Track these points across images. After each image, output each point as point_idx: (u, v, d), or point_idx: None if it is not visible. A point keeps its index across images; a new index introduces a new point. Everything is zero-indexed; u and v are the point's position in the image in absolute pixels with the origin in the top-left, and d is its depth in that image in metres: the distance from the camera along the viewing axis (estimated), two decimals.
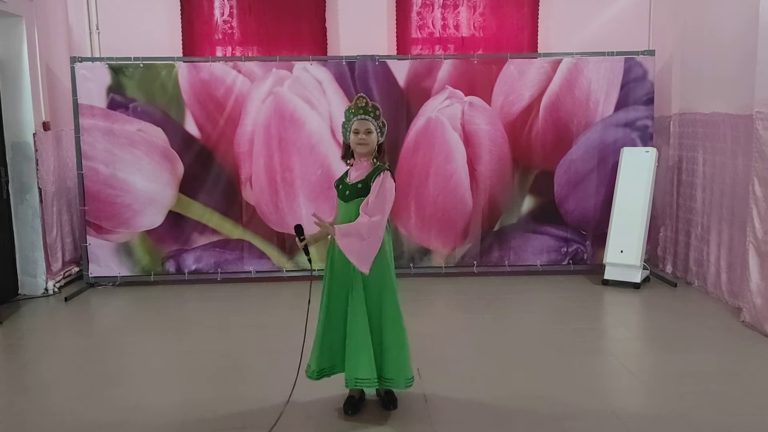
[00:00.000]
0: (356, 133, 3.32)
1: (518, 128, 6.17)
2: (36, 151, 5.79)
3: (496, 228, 6.30)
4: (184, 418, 3.46)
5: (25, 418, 3.53)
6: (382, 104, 6.10)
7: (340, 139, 5.90)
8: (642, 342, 4.72)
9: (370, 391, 3.60)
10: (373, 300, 3.33)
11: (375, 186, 3.24)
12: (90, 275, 6.14)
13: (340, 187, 3.39)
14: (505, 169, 6.21)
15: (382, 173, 3.28)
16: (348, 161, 3.45)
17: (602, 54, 6.08)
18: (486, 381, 3.85)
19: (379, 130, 3.36)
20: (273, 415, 3.41)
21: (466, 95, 6.09)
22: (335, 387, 3.60)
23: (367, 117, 3.32)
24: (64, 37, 6.43)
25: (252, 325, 5.01)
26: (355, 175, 3.36)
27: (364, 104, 3.34)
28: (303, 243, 3.40)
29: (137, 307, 5.66)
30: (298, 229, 3.41)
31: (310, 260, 3.44)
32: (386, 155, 3.44)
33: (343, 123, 3.41)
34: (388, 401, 3.49)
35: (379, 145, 3.37)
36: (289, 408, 3.49)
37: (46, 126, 5.95)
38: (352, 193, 3.31)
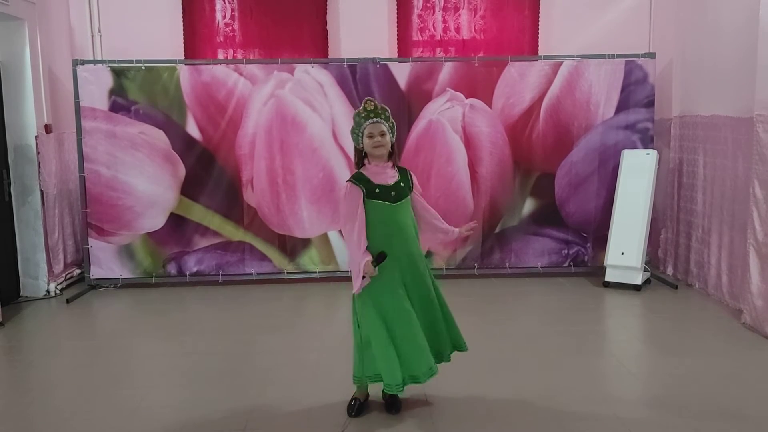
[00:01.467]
0: (371, 137, 3.31)
1: (519, 130, 6.18)
2: (38, 153, 5.81)
3: (497, 230, 6.30)
4: (186, 420, 3.47)
5: (27, 420, 3.53)
6: (388, 107, 6.12)
7: (342, 142, 6.00)
8: (643, 344, 4.72)
9: (374, 395, 3.60)
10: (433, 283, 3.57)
11: (419, 186, 3.51)
12: (92, 277, 6.15)
13: (378, 191, 3.30)
14: (506, 172, 6.22)
15: (412, 173, 3.51)
16: (361, 166, 3.39)
17: (603, 56, 6.09)
18: (487, 383, 3.86)
19: (390, 131, 3.38)
20: (274, 417, 3.42)
21: (467, 98, 6.10)
22: (338, 389, 3.61)
23: (378, 119, 3.33)
24: (66, 40, 6.45)
25: (253, 327, 5.02)
26: (384, 178, 3.35)
27: (373, 107, 3.34)
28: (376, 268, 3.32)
29: (139, 309, 5.67)
30: (383, 257, 3.30)
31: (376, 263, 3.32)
32: (397, 155, 3.47)
33: (353, 128, 3.39)
34: (391, 404, 3.49)
35: (392, 144, 3.40)
36: (292, 410, 3.50)
37: (48, 128, 5.97)
38: (399, 194, 3.36)
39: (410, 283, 3.40)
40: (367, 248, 3.28)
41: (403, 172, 3.44)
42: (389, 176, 3.37)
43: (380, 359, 3.31)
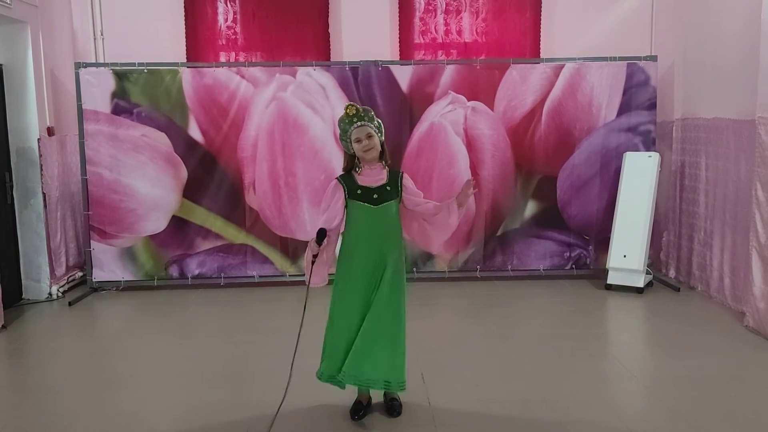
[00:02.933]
0: (359, 141, 3.30)
1: (521, 133, 6.18)
2: (40, 156, 5.82)
3: (499, 233, 6.30)
4: (188, 422, 3.47)
5: (29, 423, 3.53)
6: (385, 109, 6.14)
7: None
8: (645, 346, 4.72)
9: (376, 398, 3.59)
10: (396, 298, 3.39)
11: (413, 186, 3.44)
12: (94, 280, 6.16)
13: (360, 192, 3.33)
14: (508, 174, 6.22)
15: (404, 174, 3.45)
16: (356, 170, 3.37)
17: (605, 59, 6.09)
18: (489, 385, 3.86)
19: (377, 131, 3.36)
20: (276, 420, 3.41)
21: (468, 100, 6.10)
22: (339, 393, 3.60)
23: (363, 123, 3.31)
24: (69, 43, 6.47)
25: (255, 330, 5.02)
26: (374, 180, 3.34)
27: (355, 112, 3.32)
28: (321, 247, 3.35)
29: (141, 312, 5.67)
30: (322, 233, 3.34)
31: (313, 260, 3.38)
32: (387, 153, 3.44)
33: (340, 135, 3.38)
34: (392, 407, 3.49)
35: (381, 144, 3.38)
36: (294, 413, 3.50)
37: (50, 131, 5.98)
38: (382, 196, 3.34)
39: (370, 289, 3.35)
40: (343, 247, 3.39)
41: (393, 176, 3.39)
42: (377, 178, 3.35)
43: (326, 349, 3.46)
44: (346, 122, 3.33)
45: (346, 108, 3.34)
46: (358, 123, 3.31)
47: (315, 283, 3.46)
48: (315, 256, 3.35)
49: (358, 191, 3.34)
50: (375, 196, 3.33)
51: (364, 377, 3.32)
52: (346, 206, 3.39)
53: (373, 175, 3.36)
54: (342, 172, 3.45)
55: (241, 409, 3.61)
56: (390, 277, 3.34)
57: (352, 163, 3.40)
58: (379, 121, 3.40)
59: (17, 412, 3.66)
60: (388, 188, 3.35)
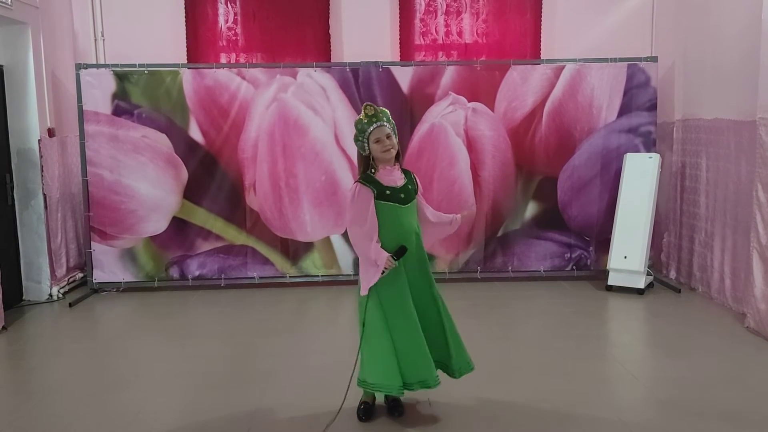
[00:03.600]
0: (379, 141, 3.28)
1: (521, 134, 6.18)
2: (41, 157, 5.82)
3: (499, 234, 6.30)
4: (188, 423, 3.47)
5: (29, 424, 3.53)
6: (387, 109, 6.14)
7: (344, 146, 6.00)
8: (646, 347, 4.72)
9: (379, 398, 3.58)
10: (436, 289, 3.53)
11: (421, 189, 3.50)
12: (94, 281, 6.16)
13: (388, 192, 3.30)
14: (509, 175, 6.22)
15: (414, 175, 3.49)
16: (371, 171, 3.34)
17: (605, 60, 6.09)
18: (491, 386, 3.85)
19: (394, 132, 3.37)
20: (277, 421, 3.41)
21: (469, 101, 6.10)
22: (341, 393, 3.60)
23: (382, 123, 3.30)
24: (70, 44, 6.47)
25: (256, 331, 5.02)
26: (392, 179, 3.35)
27: (374, 112, 3.31)
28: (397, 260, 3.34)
29: (141, 313, 5.67)
30: (402, 250, 3.31)
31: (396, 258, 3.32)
32: (402, 156, 3.52)
33: (356, 136, 3.35)
34: (393, 407, 3.49)
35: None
36: (294, 414, 3.50)
37: (51, 132, 5.98)
38: (408, 196, 3.38)
39: (415, 286, 3.39)
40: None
41: (408, 174, 3.44)
42: (397, 178, 3.37)
43: (380, 361, 3.30)
44: (365, 122, 3.31)
45: (365, 108, 3.33)
46: (377, 123, 3.30)
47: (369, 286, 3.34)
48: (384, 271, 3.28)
49: (387, 192, 3.31)
50: (402, 195, 3.34)
51: (456, 369, 3.49)
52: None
53: (394, 175, 3.36)
54: (360, 176, 3.38)
55: (242, 410, 3.61)
56: (429, 274, 3.47)
57: (367, 164, 3.37)
58: (394, 122, 3.41)
59: (18, 413, 3.66)
60: (410, 186, 3.39)
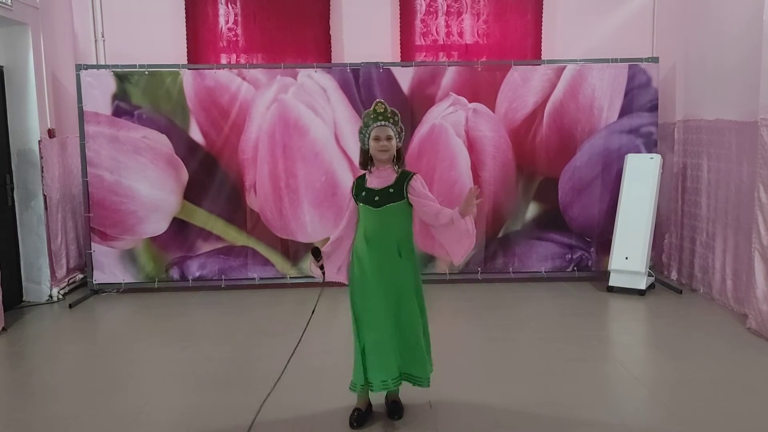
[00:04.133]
0: (377, 140, 3.28)
1: (522, 135, 6.17)
2: (41, 158, 5.81)
3: (500, 235, 6.29)
4: (188, 424, 3.46)
5: (29, 425, 3.52)
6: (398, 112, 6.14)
7: (345, 146, 5.99)
8: (647, 349, 4.71)
9: (378, 401, 3.57)
10: (419, 295, 3.44)
11: (423, 189, 3.34)
12: (94, 282, 6.15)
13: (364, 194, 3.32)
14: (509, 176, 6.21)
15: (415, 176, 3.35)
16: (369, 168, 3.37)
17: (606, 61, 6.08)
18: (491, 388, 3.84)
19: (398, 136, 3.33)
20: (277, 422, 3.40)
21: (470, 102, 6.10)
22: (341, 394, 3.59)
23: (387, 123, 3.29)
24: (70, 45, 6.46)
25: (256, 332, 5.01)
26: (379, 182, 3.32)
27: (383, 110, 3.30)
28: (320, 263, 3.44)
29: (141, 314, 5.66)
30: (316, 251, 3.43)
31: (324, 273, 3.48)
32: (404, 159, 3.43)
33: (361, 128, 3.36)
34: (393, 410, 3.48)
35: (398, 150, 3.35)
36: (294, 415, 3.49)
37: (51, 133, 5.97)
38: (383, 199, 3.30)
39: (380, 291, 3.33)
40: (353, 249, 3.41)
41: (400, 178, 3.32)
42: (383, 181, 3.33)
43: (355, 360, 3.38)
44: (371, 117, 3.31)
45: (375, 104, 3.32)
46: (382, 122, 3.29)
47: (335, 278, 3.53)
48: (322, 268, 3.45)
49: (363, 193, 3.34)
50: (376, 198, 3.30)
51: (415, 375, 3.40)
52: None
53: (382, 177, 3.34)
54: (356, 172, 3.49)
55: (242, 411, 3.59)
56: (401, 282, 3.34)
57: (365, 159, 3.37)
58: (403, 127, 3.38)
59: (18, 414, 3.65)
60: (391, 190, 3.30)
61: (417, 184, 3.34)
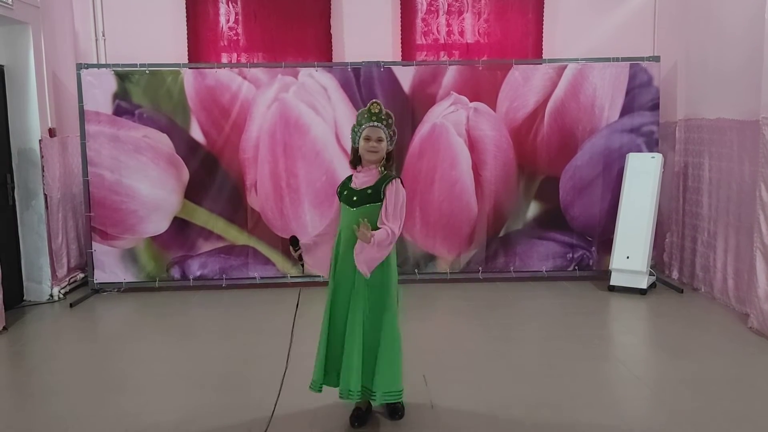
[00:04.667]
0: (367, 140, 3.28)
1: (523, 134, 6.16)
2: (42, 157, 5.81)
3: (501, 234, 6.28)
4: (189, 424, 3.46)
5: (30, 424, 3.52)
6: (393, 114, 6.12)
7: (345, 146, 5.99)
8: (648, 348, 4.70)
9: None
10: (374, 311, 3.29)
11: (390, 196, 3.23)
12: (95, 281, 6.15)
13: (345, 193, 3.34)
14: (510, 175, 6.20)
15: (392, 181, 3.25)
16: (356, 167, 3.38)
17: (607, 60, 6.07)
18: (492, 388, 3.84)
19: (389, 139, 3.32)
20: (277, 422, 3.40)
21: (471, 101, 6.09)
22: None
23: (379, 124, 3.28)
24: (71, 44, 6.46)
25: (257, 331, 5.00)
26: (361, 182, 3.31)
27: (377, 111, 3.29)
28: (298, 252, 3.43)
29: (142, 314, 5.66)
30: (294, 240, 3.43)
31: (303, 265, 3.49)
32: (394, 163, 3.41)
33: (353, 126, 3.36)
34: (394, 411, 3.47)
35: (388, 153, 3.34)
36: (294, 420, 3.49)
37: (52, 132, 5.97)
38: (360, 199, 3.27)
39: (345, 294, 3.32)
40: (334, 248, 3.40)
41: (381, 180, 3.26)
42: (366, 181, 3.31)
43: (317, 358, 3.40)
44: (365, 117, 3.31)
45: (371, 104, 3.32)
46: (375, 123, 3.29)
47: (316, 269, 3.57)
48: (300, 258, 3.46)
49: (345, 192, 3.35)
50: (354, 198, 3.29)
51: (351, 389, 3.27)
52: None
53: (365, 178, 3.32)
54: (349, 167, 3.49)
55: (242, 410, 3.59)
56: (371, 288, 3.27)
57: (355, 157, 3.38)
58: (395, 129, 3.37)
59: (18, 413, 3.65)
60: (369, 191, 3.26)
61: (390, 188, 3.24)
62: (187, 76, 6.01)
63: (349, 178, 3.41)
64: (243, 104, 6.03)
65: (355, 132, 3.36)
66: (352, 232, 3.18)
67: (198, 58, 6.65)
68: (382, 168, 3.32)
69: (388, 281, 3.31)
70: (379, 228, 3.18)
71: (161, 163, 6.04)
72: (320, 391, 3.39)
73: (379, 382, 3.28)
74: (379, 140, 3.28)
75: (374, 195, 3.25)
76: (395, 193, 3.24)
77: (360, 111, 3.36)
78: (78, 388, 4.00)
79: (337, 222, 3.44)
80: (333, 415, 3.52)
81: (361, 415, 3.44)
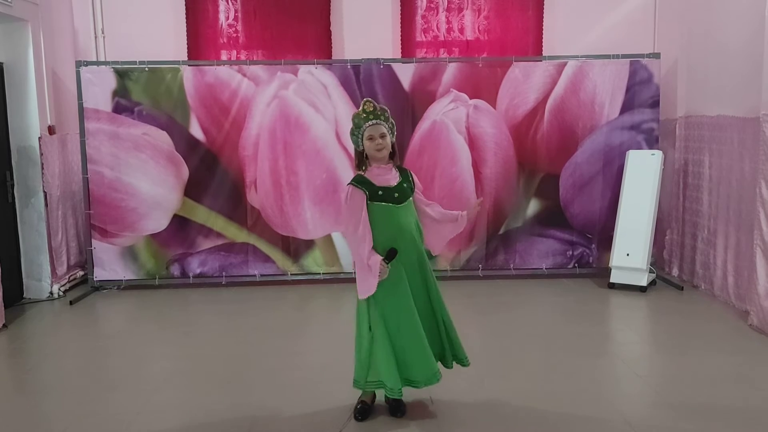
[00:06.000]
0: (371, 139, 3.27)
1: (523, 131, 6.16)
2: (41, 155, 5.80)
3: (501, 231, 6.28)
4: (189, 422, 3.46)
5: (29, 422, 3.52)
6: (387, 107, 6.11)
7: (345, 143, 5.98)
8: (649, 345, 4.70)
9: (379, 398, 3.57)
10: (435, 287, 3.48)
11: (419, 183, 3.45)
12: (95, 279, 6.14)
13: (380, 193, 3.26)
14: (510, 172, 6.19)
15: (412, 173, 3.45)
16: (363, 168, 3.35)
17: (607, 57, 6.06)
18: (493, 384, 3.84)
19: (390, 131, 3.34)
20: (278, 420, 3.40)
21: (471, 98, 6.08)
22: (342, 392, 3.59)
23: (378, 121, 3.29)
24: (70, 42, 6.45)
25: (257, 329, 5.00)
26: (386, 179, 3.31)
27: (372, 109, 3.30)
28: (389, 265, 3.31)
29: (142, 311, 5.66)
30: (393, 253, 3.26)
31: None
32: (397, 154, 3.43)
33: (352, 130, 3.35)
34: (395, 408, 3.46)
35: (392, 144, 3.36)
36: (296, 413, 3.49)
37: (51, 130, 5.96)
38: (403, 194, 3.33)
39: (414, 285, 3.36)
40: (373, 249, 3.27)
41: (404, 173, 3.40)
42: (392, 177, 3.33)
43: (383, 363, 3.28)
44: (362, 118, 3.31)
45: (364, 103, 3.32)
46: (374, 121, 3.29)
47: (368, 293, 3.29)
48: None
49: (380, 192, 3.28)
50: (396, 194, 3.30)
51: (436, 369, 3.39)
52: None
53: (388, 174, 3.33)
54: (354, 172, 3.44)
55: (243, 409, 3.59)
56: (428, 272, 3.41)
57: (361, 159, 3.37)
58: (393, 121, 3.38)
59: (18, 411, 3.65)
60: (405, 185, 3.34)
61: (417, 180, 3.46)
62: (187, 73, 6.00)
63: (363, 179, 3.31)
64: (243, 102, 6.03)
65: (356, 135, 3.34)
66: (404, 226, 3.29)
67: (198, 56, 6.64)
68: (393, 162, 3.37)
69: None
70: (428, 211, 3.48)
71: (161, 161, 6.03)
72: (401, 394, 3.35)
73: (458, 349, 3.50)
74: (383, 136, 3.29)
75: (409, 189, 3.37)
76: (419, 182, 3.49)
77: (355, 114, 3.35)
78: (77, 385, 4.00)
79: (366, 228, 3.26)
80: (334, 414, 3.51)
81: (366, 409, 3.45)
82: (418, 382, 3.34)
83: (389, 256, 3.23)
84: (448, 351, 3.48)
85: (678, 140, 6.24)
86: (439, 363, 3.47)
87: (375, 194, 3.28)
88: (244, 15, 6.68)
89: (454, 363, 3.53)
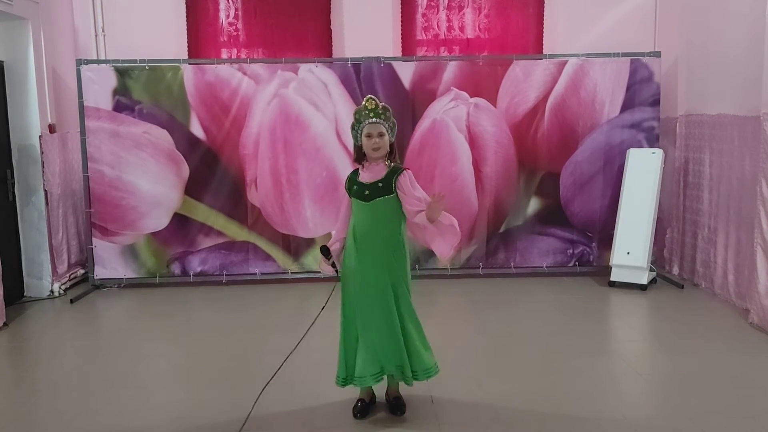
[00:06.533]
0: (369, 137, 3.27)
1: (524, 130, 6.16)
2: (42, 153, 5.80)
3: (501, 230, 6.28)
4: (190, 420, 3.46)
5: (30, 420, 3.52)
6: (390, 106, 6.12)
7: (346, 141, 5.98)
8: (649, 344, 4.70)
9: (379, 397, 3.57)
10: (396, 293, 3.35)
11: (408, 188, 3.27)
12: (95, 277, 6.15)
13: (355, 188, 3.32)
14: (511, 171, 6.19)
15: (403, 173, 3.29)
16: (362, 163, 3.38)
17: (608, 55, 6.06)
18: (493, 383, 3.84)
19: (390, 131, 3.33)
20: (277, 418, 3.40)
21: (471, 97, 6.08)
22: (341, 390, 3.59)
23: (378, 120, 3.27)
24: (70, 40, 6.45)
25: (257, 328, 5.01)
26: (369, 176, 3.32)
27: (374, 106, 3.29)
28: (331, 260, 3.38)
29: (142, 310, 5.66)
30: (324, 250, 3.38)
31: (338, 272, 3.40)
32: (397, 153, 3.41)
33: (353, 125, 3.35)
34: (396, 406, 3.47)
35: (391, 145, 3.34)
36: (295, 411, 3.49)
37: (51, 128, 5.96)
38: (373, 192, 3.28)
39: (378, 285, 3.30)
40: (346, 243, 3.39)
41: (390, 173, 3.29)
42: (374, 175, 3.32)
43: (350, 357, 3.38)
44: (363, 114, 3.30)
45: (366, 100, 3.31)
46: (374, 119, 3.27)
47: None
48: (334, 265, 3.39)
49: (355, 187, 3.34)
50: (366, 192, 3.29)
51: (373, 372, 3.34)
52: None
53: (373, 171, 3.33)
54: (353, 167, 3.48)
55: (243, 407, 3.59)
56: (404, 278, 3.34)
57: (359, 154, 3.38)
58: (395, 121, 3.37)
59: (19, 409, 3.65)
60: (380, 185, 3.28)
61: (405, 180, 3.29)
62: (187, 71, 6.00)
63: (355, 173, 3.40)
64: (243, 100, 6.02)
65: (356, 130, 3.35)
66: (366, 224, 3.29)
67: (198, 54, 6.64)
68: (389, 162, 3.34)
69: (404, 263, 3.36)
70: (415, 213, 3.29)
71: (161, 159, 6.03)
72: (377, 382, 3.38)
73: (416, 361, 3.34)
74: (381, 135, 3.28)
75: (385, 188, 3.28)
76: (410, 183, 3.29)
77: (357, 109, 3.34)
78: (78, 383, 4.01)
79: (347, 218, 3.43)
80: (332, 413, 3.51)
81: (365, 407, 3.45)
82: (389, 370, 3.34)
83: (322, 252, 3.38)
84: (406, 363, 3.31)
85: (678, 139, 6.23)
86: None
87: (351, 189, 3.36)
88: (244, 13, 6.68)
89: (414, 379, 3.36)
